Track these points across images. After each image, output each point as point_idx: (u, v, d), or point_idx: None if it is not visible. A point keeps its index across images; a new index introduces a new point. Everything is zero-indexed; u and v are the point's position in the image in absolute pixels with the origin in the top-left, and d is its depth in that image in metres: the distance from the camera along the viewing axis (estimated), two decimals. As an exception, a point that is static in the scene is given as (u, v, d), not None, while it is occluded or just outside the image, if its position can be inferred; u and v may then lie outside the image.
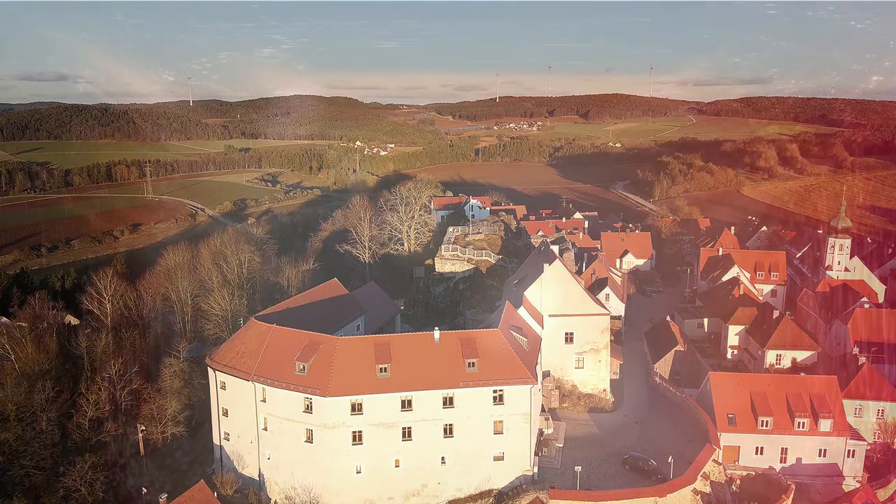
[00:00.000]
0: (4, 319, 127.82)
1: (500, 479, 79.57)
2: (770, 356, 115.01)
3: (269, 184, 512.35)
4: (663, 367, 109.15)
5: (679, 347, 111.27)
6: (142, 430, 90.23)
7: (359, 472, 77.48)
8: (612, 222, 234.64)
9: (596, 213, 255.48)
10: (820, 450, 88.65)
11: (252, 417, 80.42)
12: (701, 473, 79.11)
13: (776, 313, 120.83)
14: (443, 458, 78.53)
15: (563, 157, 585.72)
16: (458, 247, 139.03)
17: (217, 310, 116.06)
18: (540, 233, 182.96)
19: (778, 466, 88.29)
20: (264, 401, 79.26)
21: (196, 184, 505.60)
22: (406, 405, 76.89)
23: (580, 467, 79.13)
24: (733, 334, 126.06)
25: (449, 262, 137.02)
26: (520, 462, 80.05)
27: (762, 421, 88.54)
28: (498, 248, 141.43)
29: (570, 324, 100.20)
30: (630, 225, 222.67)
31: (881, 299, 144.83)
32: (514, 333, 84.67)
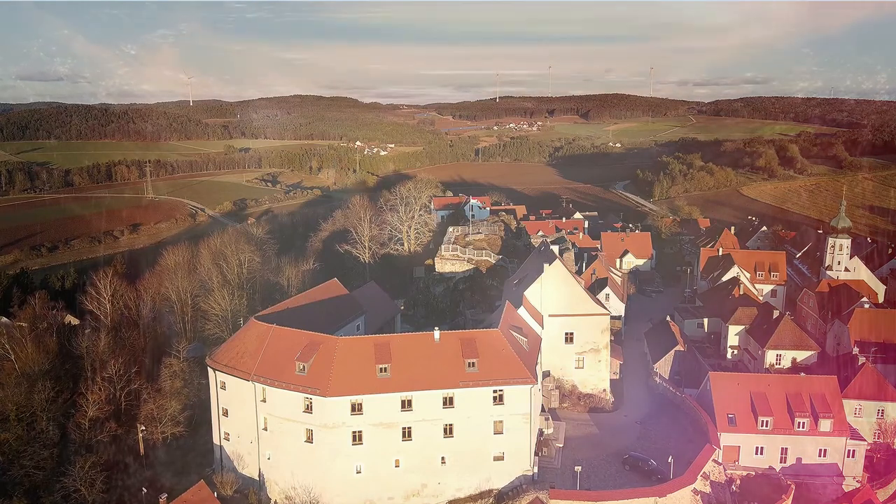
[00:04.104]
0: (4, 319, 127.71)
1: (500, 479, 79.60)
2: (770, 356, 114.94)
3: (269, 184, 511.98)
4: (663, 367, 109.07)
5: (679, 347, 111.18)
6: (142, 430, 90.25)
7: (359, 472, 77.52)
8: (612, 222, 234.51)
9: (596, 213, 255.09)
10: (820, 450, 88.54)
11: (252, 417, 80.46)
12: (701, 473, 79.19)
13: (776, 313, 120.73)
14: (443, 458, 78.58)
15: (563, 157, 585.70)
16: (458, 247, 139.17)
17: (217, 310, 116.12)
18: (540, 233, 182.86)
19: (778, 466, 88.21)
20: (264, 401, 79.30)
21: (196, 184, 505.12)
22: (406, 405, 76.93)
23: (580, 467, 79.21)
24: (733, 334, 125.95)
25: (449, 262, 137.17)
26: (520, 462, 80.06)
27: (762, 421, 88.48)
28: (498, 248, 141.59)
29: (570, 324, 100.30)
30: (630, 225, 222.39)
31: (881, 299, 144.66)
32: (514, 333, 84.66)
